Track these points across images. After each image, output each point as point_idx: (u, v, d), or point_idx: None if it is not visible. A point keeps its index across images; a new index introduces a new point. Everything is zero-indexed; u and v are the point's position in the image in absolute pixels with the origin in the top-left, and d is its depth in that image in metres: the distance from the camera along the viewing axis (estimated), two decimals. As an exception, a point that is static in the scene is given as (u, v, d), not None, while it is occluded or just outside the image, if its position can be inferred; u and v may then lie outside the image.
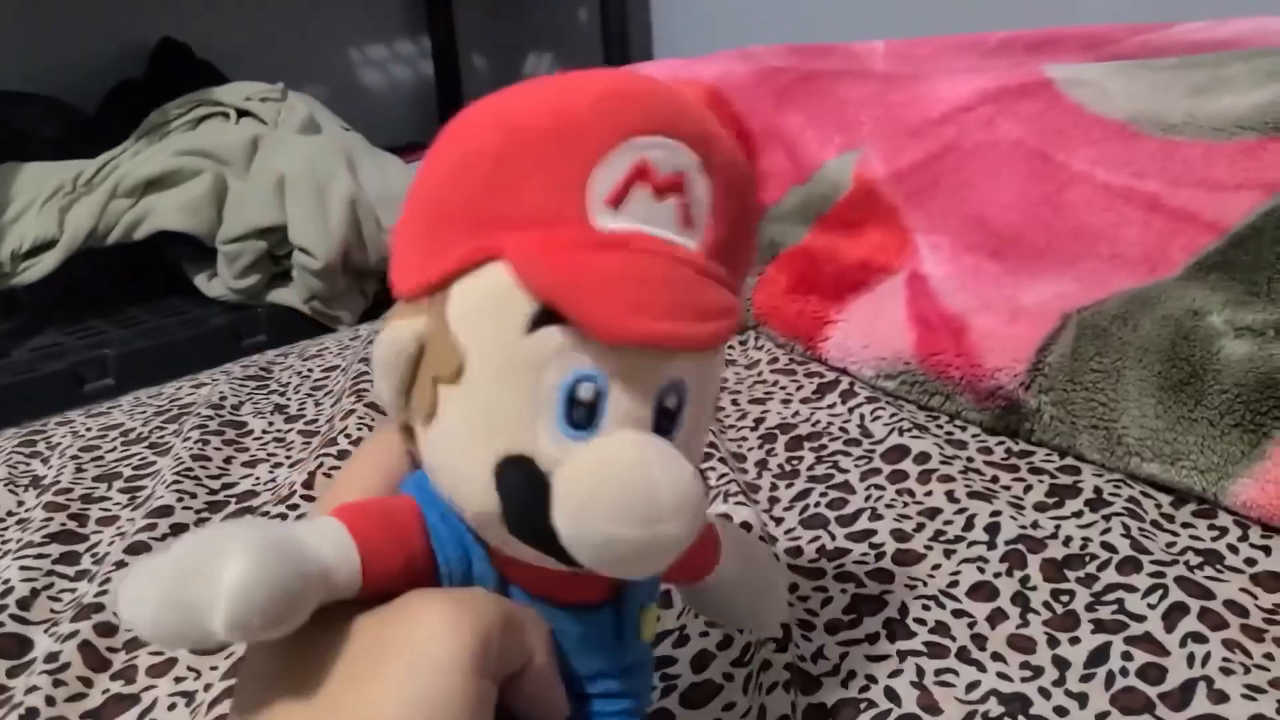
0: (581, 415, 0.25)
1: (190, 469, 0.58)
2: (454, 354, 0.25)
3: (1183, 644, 0.40)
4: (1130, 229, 0.60)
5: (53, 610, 0.48)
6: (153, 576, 0.23)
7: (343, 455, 0.58)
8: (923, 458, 0.55)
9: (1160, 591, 0.43)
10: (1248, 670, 0.38)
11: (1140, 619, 0.42)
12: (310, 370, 0.75)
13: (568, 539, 0.24)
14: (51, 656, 0.43)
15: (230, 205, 1.23)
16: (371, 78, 1.88)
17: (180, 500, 0.55)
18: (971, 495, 0.51)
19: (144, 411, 0.69)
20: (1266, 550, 0.46)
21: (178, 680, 0.42)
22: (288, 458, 0.62)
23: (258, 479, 0.59)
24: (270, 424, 0.66)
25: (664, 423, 0.26)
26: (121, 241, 1.21)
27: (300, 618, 0.24)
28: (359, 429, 0.60)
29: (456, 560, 0.27)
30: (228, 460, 0.61)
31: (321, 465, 0.57)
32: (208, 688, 0.42)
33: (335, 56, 1.81)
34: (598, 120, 0.25)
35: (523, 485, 0.25)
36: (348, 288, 1.27)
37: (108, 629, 0.45)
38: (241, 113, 1.31)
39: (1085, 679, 0.39)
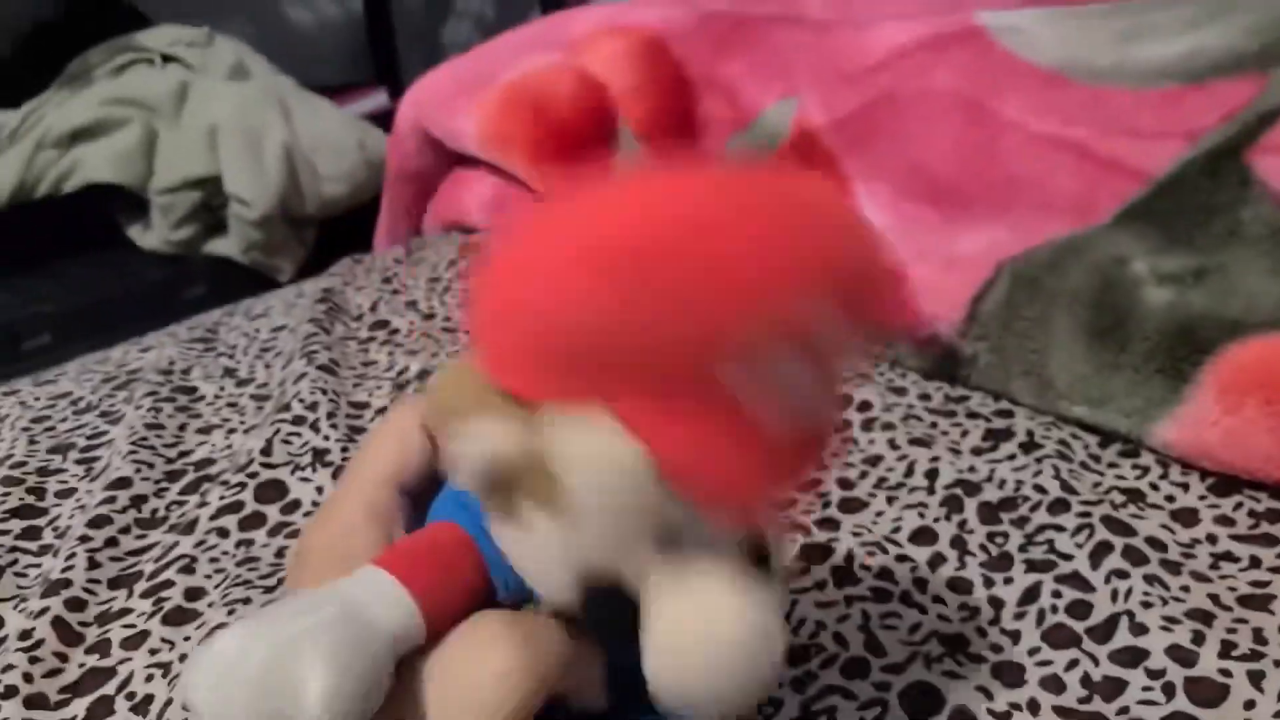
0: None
1: (145, 438, 0.59)
2: (555, 488, 0.25)
3: (1107, 580, 0.43)
4: (1060, 177, 0.62)
5: (19, 586, 0.48)
6: (235, 692, 0.24)
7: (298, 420, 0.58)
8: (865, 406, 0.57)
9: (1087, 531, 0.46)
10: (1165, 603, 0.41)
11: (1069, 558, 0.45)
12: (258, 331, 0.75)
13: (656, 685, 0.25)
14: (25, 634, 0.43)
15: (161, 155, 1.21)
16: (298, 14, 1.83)
17: (138, 471, 0.55)
18: (912, 442, 0.54)
19: (91, 379, 0.69)
20: (1184, 487, 0.49)
21: (152, 652, 0.43)
22: (242, 423, 0.62)
23: (214, 446, 0.60)
24: (221, 389, 0.66)
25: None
26: (51, 195, 1.18)
27: (377, 704, 0.25)
28: (312, 393, 0.61)
29: (516, 587, 0.28)
30: (181, 427, 0.61)
31: (278, 432, 0.57)
32: (183, 658, 0.43)
33: (260, -7, 1.76)
34: (766, 277, 0.23)
35: (609, 613, 0.26)
36: (286, 237, 1.25)
37: (77, 604, 0.46)
38: (167, 58, 1.28)
39: (1018, 617, 0.42)
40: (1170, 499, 0.49)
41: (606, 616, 0.27)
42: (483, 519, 0.28)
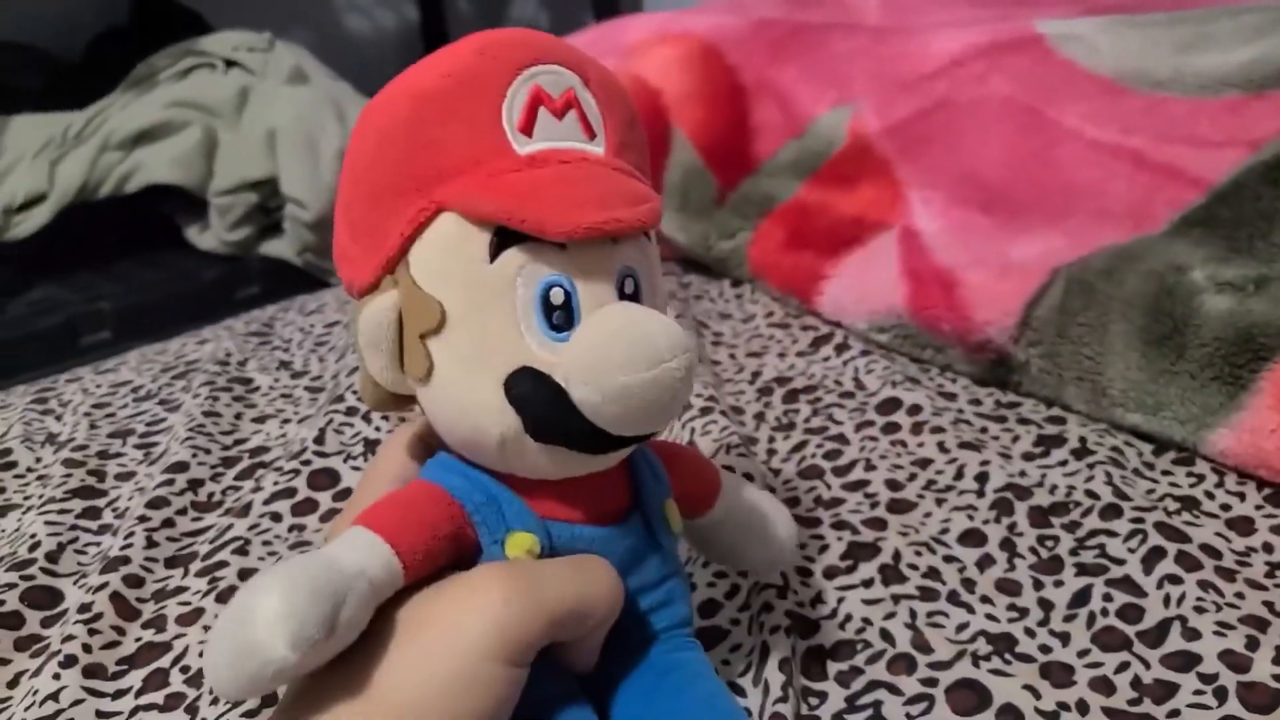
0: (560, 318, 0.28)
1: (202, 425, 0.60)
2: (431, 305, 0.28)
3: (1160, 585, 0.43)
4: (1117, 184, 0.61)
5: (80, 563, 0.49)
6: (215, 641, 0.25)
7: (351, 411, 0.59)
8: (915, 409, 0.57)
9: (1140, 536, 0.45)
10: (1219, 609, 0.41)
11: (1120, 562, 0.44)
12: (312, 326, 0.77)
13: (587, 402, 0.27)
14: (84, 607, 0.44)
15: (221, 158, 1.23)
16: (357, 23, 1.86)
17: (195, 456, 0.56)
18: (962, 445, 0.53)
19: (151, 368, 0.70)
20: (1240, 496, 0.48)
21: (206, 629, 0.44)
22: (296, 413, 0.63)
23: (269, 435, 0.61)
24: (276, 380, 0.68)
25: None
26: (113, 195, 1.21)
27: (356, 619, 0.26)
28: (366, 385, 0.61)
29: (487, 508, 0.30)
30: (238, 416, 0.63)
31: (331, 421, 0.58)
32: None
33: (320, 2, 1.80)
34: (489, 65, 0.29)
35: (532, 389, 0.28)
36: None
37: (135, 580, 0.47)
38: (229, 63, 1.31)
39: (1068, 619, 0.42)
40: (1226, 507, 0.48)
41: (537, 403, 0.28)
42: (448, 461, 0.30)
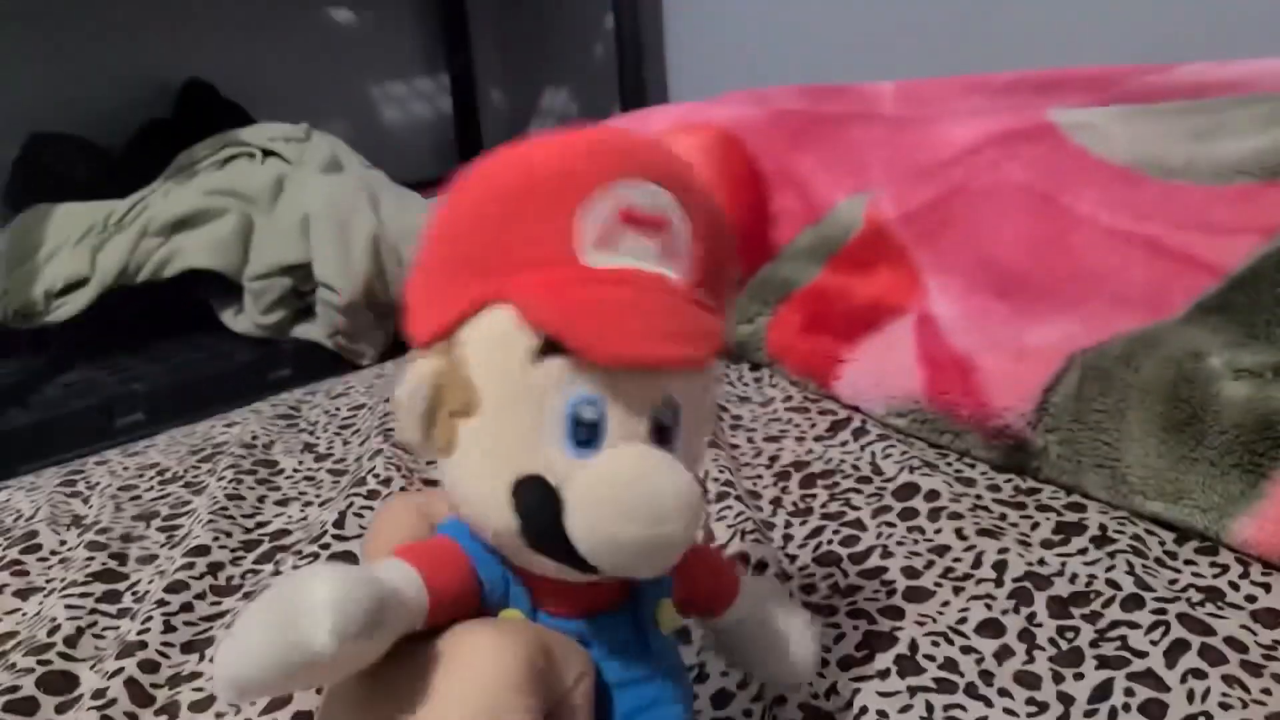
0: (585, 434, 0.28)
1: (225, 508, 0.61)
2: (467, 390, 0.28)
3: (1183, 680, 0.42)
4: (1133, 271, 0.62)
5: (97, 648, 0.50)
6: (243, 625, 0.24)
7: (372, 495, 0.60)
8: (932, 495, 0.57)
9: (1162, 628, 0.45)
10: (1245, 705, 0.40)
11: (1143, 655, 0.43)
12: (338, 409, 0.78)
13: (580, 541, 0.27)
14: (98, 693, 0.45)
15: (256, 243, 1.26)
16: (391, 114, 1.91)
17: (216, 540, 0.57)
18: (980, 533, 0.53)
19: (178, 450, 0.71)
20: (1266, 588, 0.47)
21: (219, 716, 0.44)
22: (318, 496, 0.64)
23: (290, 518, 0.61)
24: (300, 463, 0.68)
25: (661, 438, 0.29)
26: (151, 280, 1.24)
27: (387, 634, 0.26)
28: (386, 469, 0.62)
29: (498, 581, 0.30)
30: (261, 499, 0.63)
31: (351, 505, 0.59)
32: (247, 723, 0.43)
33: (356, 94, 1.85)
34: (587, 167, 0.28)
35: (537, 501, 0.28)
36: (370, 323, 1.29)
37: (151, 666, 0.47)
38: (267, 152, 1.35)
39: (1089, 714, 0.41)
40: (1251, 599, 0.47)
41: (534, 516, 0.28)
42: (468, 534, 0.30)
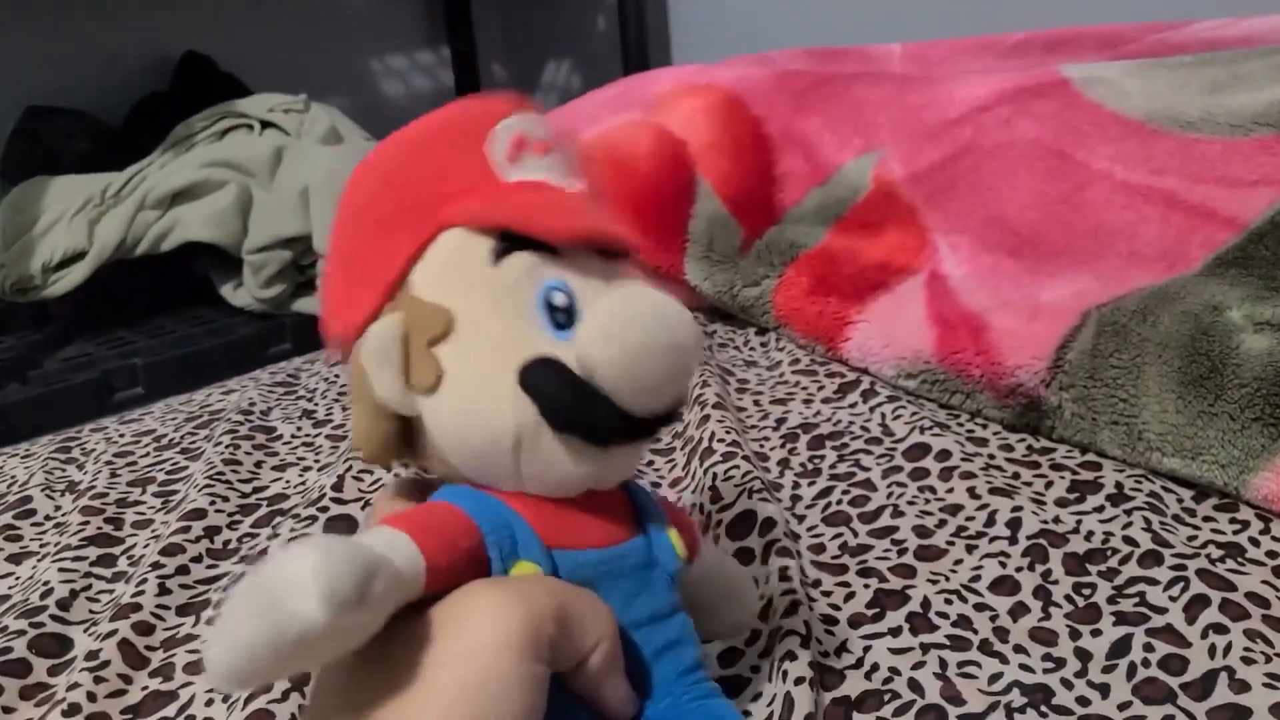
0: (562, 318, 0.29)
1: (222, 473, 0.60)
2: (438, 313, 0.29)
3: (1204, 635, 0.40)
4: (1149, 226, 0.60)
5: (91, 611, 0.49)
6: (230, 607, 0.23)
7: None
8: (944, 455, 0.55)
9: (1181, 584, 0.43)
10: (1269, 659, 0.39)
11: (1162, 611, 0.42)
12: (336, 377, 0.77)
13: (605, 365, 0.28)
14: (91, 655, 0.44)
15: (255, 216, 1.25)
16: (392, 88, 1.89)
17: (213, 504, 0.56)
18: (993, 491, 0.52)
19: (175, 418, 0.70)
20: (1289, 543, 0.46)
21: (214, 677, 0.43)
22: (316, 461, 0.63)
23: (288, 483, 0.60)
24: (299, 429, 0.67)
25: None
26: (150, 253, 1.23)
27: (381, 604, 0.25)
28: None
29: (503, 530, 0.29)
30: (258, 464, 0.62)
31: (350, 468, 0.58)
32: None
33: (356, 67, 1.83)
34: (480, 110, 0.32)
35: (546, 375, 0.28)
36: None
37: (145, 628, 0.46)
38: (265, 124, 1.33)
39: (1107, 670, 0.39)
40: (1273, 554, 0.46)
41: (552, 385, 0.28)
42: (463, 490, 0.30)
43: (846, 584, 0.46)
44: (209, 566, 0.52)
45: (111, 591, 0.50)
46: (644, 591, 0.31)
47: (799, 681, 0.39)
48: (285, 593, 0.23)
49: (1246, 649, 0.39)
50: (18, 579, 0.52)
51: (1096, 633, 0.42)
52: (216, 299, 1.32)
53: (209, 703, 0.42)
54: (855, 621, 0.43)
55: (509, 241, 0.29)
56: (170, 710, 0.41)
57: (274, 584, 0.23)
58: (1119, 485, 0.52)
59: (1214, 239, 0.57)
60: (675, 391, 0.29)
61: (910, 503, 0.52)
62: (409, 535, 0.27)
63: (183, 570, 0.50)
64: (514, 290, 0.29)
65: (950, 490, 0.52)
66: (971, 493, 0.52)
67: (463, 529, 0.29)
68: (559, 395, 0.28)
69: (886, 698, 0.39)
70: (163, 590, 0.49)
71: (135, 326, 1.26)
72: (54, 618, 0.47)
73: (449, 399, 0.29)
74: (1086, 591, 0.44)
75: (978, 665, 0.40)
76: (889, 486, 0.54)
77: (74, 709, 0.41)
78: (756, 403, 0.66)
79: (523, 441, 0.29)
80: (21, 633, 0.45)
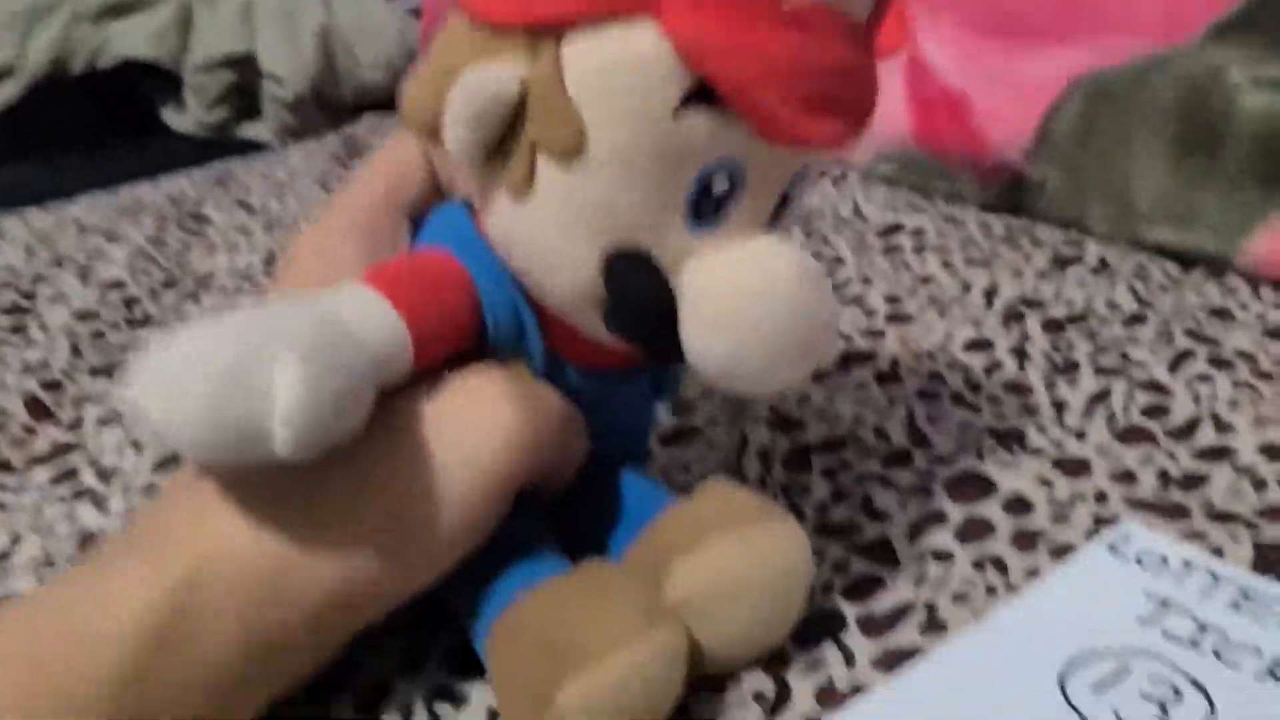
0: (711, 208, 0.23)
1: (146, 251, 0.55)
2: (572, 125, 0.21)
3: (1189, 385, 0.38)
4: (1146, -2, 0.56)
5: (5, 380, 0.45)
6: (193, 386, 0.19)
7: (306, 234, 0.54)
8: (918, 232, 0.52)
9: (1166, 339, 0.41)
10: (1256, 405, 0.36)
11: (1144, 365, 0.40)
12: (275, 171, 0.72)
13: (706, 361, 0.23)
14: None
15: (197, 32, 1.17)
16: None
17: (134, 277, 0.52)
18: (969, 264, 0.49)
19: (101, 208, 0.66)
20: (1278, 306, 0.44)
21: (129, 437, 0.40)
22: (250, 247, 0.59)
23: (217, 264, 0.56)
24: (232, 217, 0.63)
25: (774, 215, 0.24)
26: (87, 71, 1.15)
27: (357, 425, 0.22)
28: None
29: (507, 326, 0.25)
30: (187, 246, 0.58)
31: (284, 247, 0.54)
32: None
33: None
34: None
35: (640, 283, 0.23)
36: (322, 124, 1.22)
37: (54, 384, 0.43)
38: (206, -64, 1.25)
39: (1086, 417, 0.37)
40: (1261, 317, 0.43)
41: (635, 302, 0.23)
42: (477, 245, 0.25)
43: (811, 345, 0.43)
44: (127, 334, 0.48)
45: (23, 358, 0.46)
46: (630, 413, 0.29)
47: (755, 421, 0.36)
48: (252, 419, 0.19)
49: (1233, 397, 0.37)
50: (-81, 346, 0.48)
51: (1074, 384, 0.39)
52: (159, 126, 1.25)
53: (120, 453, 0.38)
54: (816, 377, 0.41)
55: (702, 91, 0.21)
56: (78, 458, 0.38)
57: (245, 399, 0.19)
58: (1103, 258, 0.49)
59: (1215, 6, 0.53)
60: (787, 383, 0.24)
61: (881, 274, 0.49)
62: (399, 312, 0.23)
63: (98, 335, 0.47)
64: (678, 161, 0.22)
65: (924, 263, 0.49)
66: (946, 265, 0.49)
67: (463, 301, 0.25)
68: (638, 310, 0.23)
69: (849, 442, 0.36)
70: (75, 353, 0.45)
71: (73, 150, 1.19)
72: (-43, 380, 0.43)
73: (528, 215, 0.23)
74: (1066, 349, 0.41)
75: (948, 414, 0.38)
76: (859, 260, 0.50)
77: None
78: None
79: (571, 308, 0.24)
80: (-83, 388, 0.42)
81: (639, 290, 0.23)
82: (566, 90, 0.21)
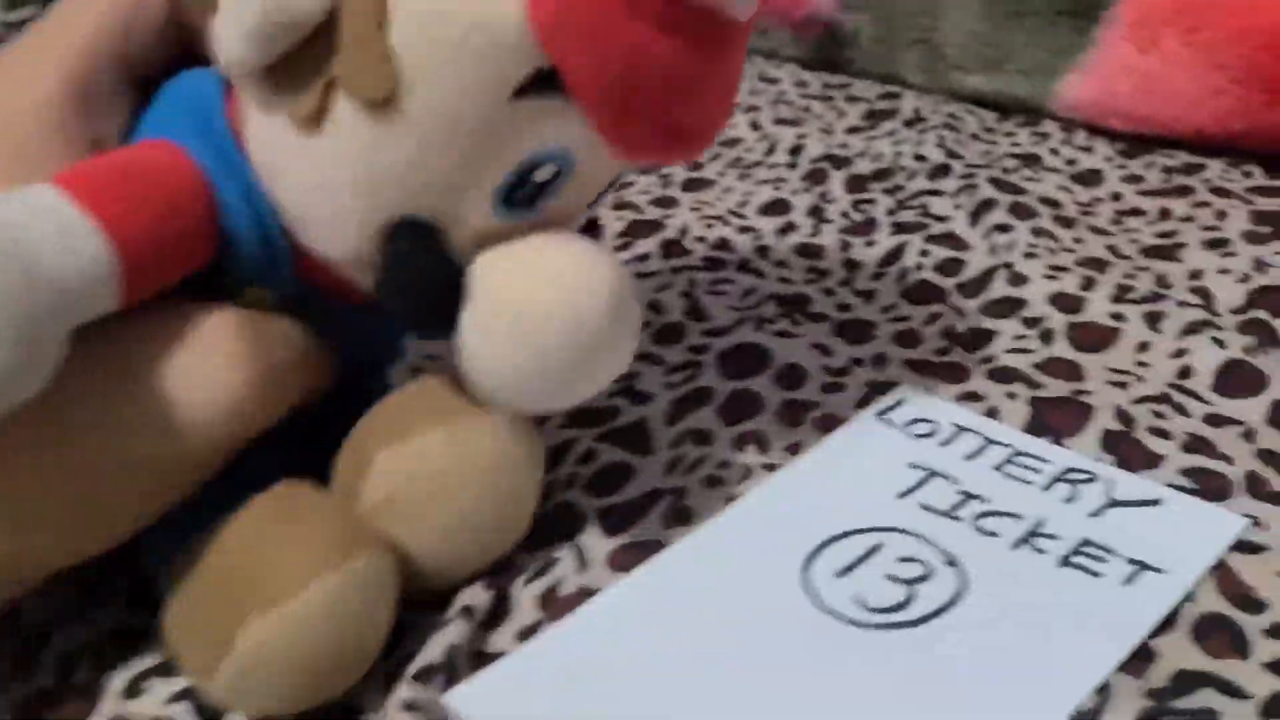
0: (527, 196, 0.20)
1: None
2: (385, 73, 0.18)
3: (986, 235, 0.36)
4: None
5: None
6: None
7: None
8: (728, 92, 0.48)
9: (970, 191, 0.38)
10: (1054, 253, 0.34)
11: (944, 219, 0.37)
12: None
13: (474, 359, 0.20)
14: None
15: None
16: None
17: None
18: (778, 122, 0.46)
19: None
20: (1089, 150, 0.41)
21: None
22: None
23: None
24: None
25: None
26: None
27: (39, 379, 0.17)
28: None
29: (250, 251, 0.21)
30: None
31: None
32: None
33: None
34: None
35: (422, 261, 0.20)
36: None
37: None
38: None
39: (876, 277, 0.34)
40: (1071, 162, 0.41)
41: (412, 281, 0.20)
42: (225, 143, 0.20)
43: (596, 219, 0.39)
44: None
45: None
46: (379, 342, 0.26)
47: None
48: None
49: (1030, 244, 0.35)
50: None
51: (870, 244, 0.36)
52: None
53: None
54: (602, 252, 0.37)
55: (545, 78, 0.18)
56: None
57: None
58: (917, 111, 0.46)
59: None
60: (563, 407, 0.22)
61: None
62: (105, 235, 0.18)
63: None
64: (503, 142, 0.19)
65: (732, 125, 0.46)
66: (754, 125, 0.46)
67: (191, 209, 0.20)
68: (410, 288, 0.20)
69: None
70: None
71: None
72: None
73: (312, 153, 0.19)
74: (865, 207, 0.38)
75: (730, 283, 0.34)
76: (663, 127, 0.47)
77: None
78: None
79: (338, 259, 0.20)
80: None
81: (419, 269, 0.20)
82: (388, 32, 0.18)
